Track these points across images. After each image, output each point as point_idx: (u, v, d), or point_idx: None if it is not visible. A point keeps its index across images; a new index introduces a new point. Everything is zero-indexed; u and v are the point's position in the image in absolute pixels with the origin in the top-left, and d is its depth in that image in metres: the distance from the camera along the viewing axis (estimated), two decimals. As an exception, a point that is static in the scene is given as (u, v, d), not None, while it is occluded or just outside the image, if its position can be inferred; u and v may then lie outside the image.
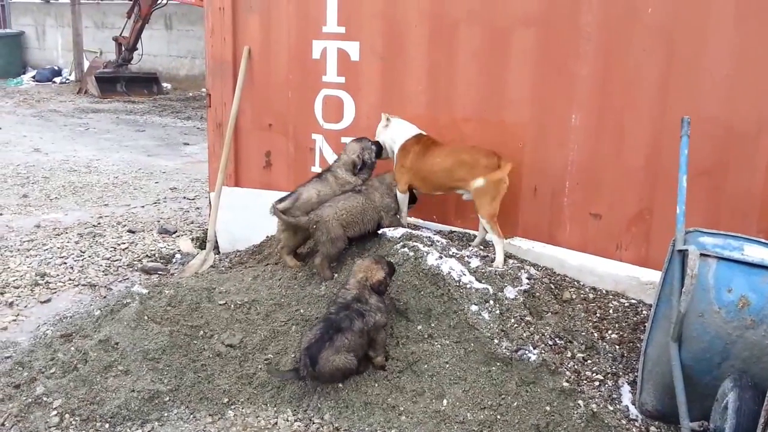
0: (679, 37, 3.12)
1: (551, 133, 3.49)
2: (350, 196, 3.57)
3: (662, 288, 2.66)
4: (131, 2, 14.30)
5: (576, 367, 2.94)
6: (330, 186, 3.72)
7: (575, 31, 3.33)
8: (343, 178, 3.73)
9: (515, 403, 2.82)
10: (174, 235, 5.41)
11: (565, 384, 2.83)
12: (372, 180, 3.74)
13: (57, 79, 17.82)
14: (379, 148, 3.79)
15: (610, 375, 2.93)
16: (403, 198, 3.68)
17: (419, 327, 3.17)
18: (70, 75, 17.63)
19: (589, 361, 2.99)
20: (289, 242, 3.76)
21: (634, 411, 2.79)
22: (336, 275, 3.52)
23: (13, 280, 4.33)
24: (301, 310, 3.38)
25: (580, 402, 2.78)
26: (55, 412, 2.86)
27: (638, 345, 3.04)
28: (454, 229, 3.82)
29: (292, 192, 3.77)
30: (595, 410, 2.74)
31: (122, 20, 14.87)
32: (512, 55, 3.52)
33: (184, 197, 6.79)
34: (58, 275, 4.46)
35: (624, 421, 2.74)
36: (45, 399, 2.93)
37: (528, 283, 3.28)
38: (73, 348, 3.27)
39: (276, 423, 2.87)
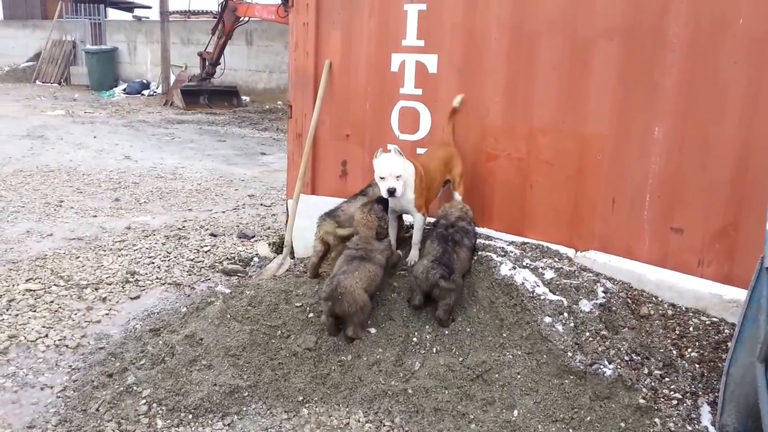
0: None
1: (632, 145, 3.43)
2: (360, 264, 3.39)
3: (748, 306, 2.56)
4: (216, 20, 15.02)
5: (653, 384, 2.87)
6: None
7: (661, 43, 3.28)
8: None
9: (588, 418, 2.78)
10: (252, 240, 5.62)
11: (642, 401, 2.78)
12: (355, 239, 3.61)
13: (145, 92, 18.88)
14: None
15: (689, 394, 2.85)
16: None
17: (491, 337, 3.18)
18: (157, 88, 18.62)
19: (666, 379, 2.91)
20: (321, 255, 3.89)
21: (714, 432, 2.70)
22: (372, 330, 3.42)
23: (106, 277, 4.61)
24: (373, 315, 3.45)
25: (657, 420, 2.72)
26: (143, 401, 3.02)
27: (719, 364, 2.94)
28: (527, 240, 3.80)
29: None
30: (672, 429, 2.67)
31: (207, 36, 15.66)
32: (593, 66, 3.50)
33: (261, 204, 7.03)
34: (146, 274, 4.72)
35: (703, 442, 2.66)
36: (135, 388, 3.11)
37: (604, 297, 3.24)
38: (161, 342, 3.47)
39: (348, 423, 2.94)
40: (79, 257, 4.99)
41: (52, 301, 4.15)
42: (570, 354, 2.95)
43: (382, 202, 3.58)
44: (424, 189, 3.71)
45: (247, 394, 3.08)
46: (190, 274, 4.75)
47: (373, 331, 3.39)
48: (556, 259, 3.59)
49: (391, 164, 3.48)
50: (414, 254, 3.71)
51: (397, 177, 3.46)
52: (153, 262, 4.96)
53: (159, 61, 17.87)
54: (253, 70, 18.00)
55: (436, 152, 3.96)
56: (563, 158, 3.66)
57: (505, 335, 3.15)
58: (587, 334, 3.04)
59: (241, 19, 14.15)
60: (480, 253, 3.52)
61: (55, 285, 4.42)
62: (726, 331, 3.11)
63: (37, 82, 21.34)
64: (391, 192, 3.45)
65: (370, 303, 3.34)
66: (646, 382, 2.87)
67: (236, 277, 4.69)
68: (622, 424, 2.73)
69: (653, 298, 3.37)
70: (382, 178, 3.50)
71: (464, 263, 3.42)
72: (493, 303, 3.26)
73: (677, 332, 3.15)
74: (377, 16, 4.30)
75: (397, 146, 3.62)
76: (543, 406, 2.85)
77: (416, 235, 3.73)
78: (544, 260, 3.53)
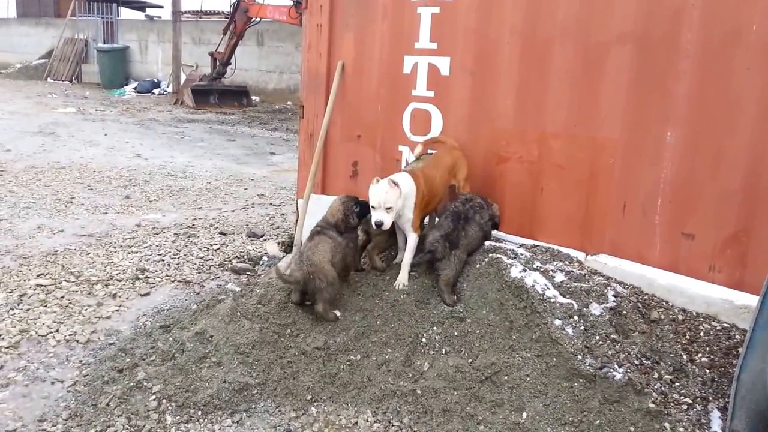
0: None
1: (644, 151, 3.43)
2: (320, 237, 3.60)
3: (760, 312, 2.56)
4: (227, 20, 15.11)
5: (663, 388, 2.86)
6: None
7: (674, 49, 3.27)
8: None
9: (598, 421, 2.78)
10: (261, 239, 5.64)
11: (651, 405, 2.77)
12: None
13: (156, 91, 19.00)
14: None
15: (699, 399, 2.84)
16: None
17: (500, 338, 3.18)
18: (168, 87, 18.73)
19: (677, 384, 2.90)
20: (380, 244, 3.93)
21: (724, 438, 2.69)
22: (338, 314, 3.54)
23: (117, 274, 4.64)
24: (383, 315, 3.46)
25: (667, 425, 2.71)
26: (153, 397, 3.04)
27: (730, 370, 2.92)
28: (537, 243, 3.80)
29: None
30: (682, 434, 2.66)
31: (218, 37, 15.75)
32: (606, 71, 3.49)
33: (271, 203, 7.06)
34: (156, 271, 4.75)
35: (713, 448, 2.65)
36: (145, 384, 3.13)
37: (614, 301, 3.23)
38: (171, 338, 3.48)
39: (356, 422, 2.95)
40: (89, 253, 5.02)
41: (62, 297, 4.19)
42: (580, 357, 2.95)
43: (363, 206, 3.69)
44: (423, 204, 3.65)
45: (256, 391, 3.09)
46: (199, 272, 4.78)
47: (338, 314, 3.52)
48: (567, 263, 3.58)
49: (382, 195, 3.42)
50: (403, 277, 3.61)
51: (388, 209, 3.43)
52: (163, 260, 4.99)
53: (170, 61, 17.96)
54: (264, 71, 18.07)
55: (442, 159, 3.89)
56: (575, 162, 3.66)
57: (514, 337, 3.15)
58: (597, 337, 3.04)
59: (252, 20, 14.24)
60: (490, 255, 3.52)
61: (65, 281, 4.45)
62: (737, 336, 3.09)
63: (49, 79, 21.50)
64: (378, 225, 3.45)
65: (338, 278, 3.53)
66: (656, 387, 2.86)
67: (245, 276, 4.72)
68: (632, 429, 2.72)
69: (664, 303, 3.35)
70: (373, 207, 3.48)
71: (471, 240, 3.57)
72: (503, 305, 3.26)
73: (688, 337, 3.14)
74: (390, 18, 4.32)
75: (391, 178, 3.49)
76: (552, 409, 2.85)
77: (407, 256, 3.62)
78: (555, 263, 3.53)
